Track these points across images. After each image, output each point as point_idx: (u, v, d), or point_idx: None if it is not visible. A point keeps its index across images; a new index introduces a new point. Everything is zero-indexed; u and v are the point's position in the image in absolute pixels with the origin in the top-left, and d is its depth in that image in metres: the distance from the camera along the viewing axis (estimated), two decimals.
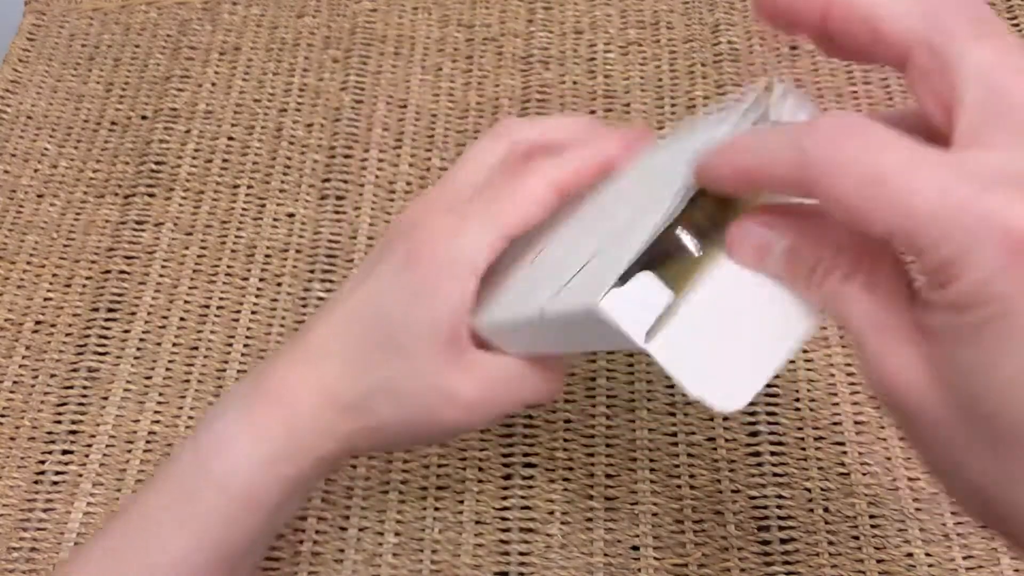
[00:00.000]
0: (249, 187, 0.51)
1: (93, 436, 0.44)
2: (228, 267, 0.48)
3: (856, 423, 0.41)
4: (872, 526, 0.39)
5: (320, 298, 0.47)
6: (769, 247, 0.22)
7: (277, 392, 0.31)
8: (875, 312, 0.20)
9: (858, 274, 0.21)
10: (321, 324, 0.31)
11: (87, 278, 0.49)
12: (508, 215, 0.30)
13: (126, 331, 0.46)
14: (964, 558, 0.38)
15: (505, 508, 0.40)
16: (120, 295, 0.48)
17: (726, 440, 0.41)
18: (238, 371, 0.45)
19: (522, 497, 0.41)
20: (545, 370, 0.31)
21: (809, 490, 0.40)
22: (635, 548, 0.39)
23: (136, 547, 0.30)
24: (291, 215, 0.50)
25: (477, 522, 0.40)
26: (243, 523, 0.30)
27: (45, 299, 0.48)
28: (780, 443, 0.41)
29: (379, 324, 0.30)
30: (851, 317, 0.21)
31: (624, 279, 0.23)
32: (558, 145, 0.31)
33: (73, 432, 0.44)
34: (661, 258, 0.23)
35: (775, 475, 0.40)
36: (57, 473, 0.43)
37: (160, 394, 0.45)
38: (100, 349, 0.46)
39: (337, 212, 0.50)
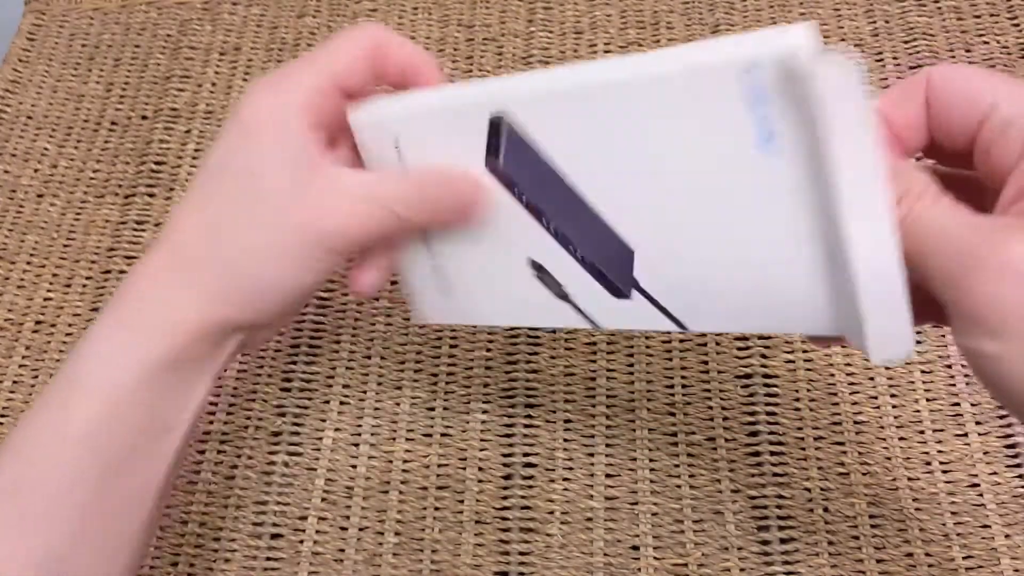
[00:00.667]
0: None
1: None
2: None
3: (856, 423, 0.41)
4: (872, 526, 0.39)
5: (320, 297, 0.47)
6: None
7: (134, 287, 0.29)
8: None
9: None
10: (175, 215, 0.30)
11: (87, 278, 0.49)
12: (330, 58, 0.30)
13: None
14: (964, 558, 0.38)
15: (505, 508, 0.40)
16: None
17: (726, 440, 0.41)
18: (238, 371, 0.45)
19: (522, 497, 0.41)
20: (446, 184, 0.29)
21: (809, 490, 0.40)
22: (635, 548, 0.39)
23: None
24: None
25: (477, 522, 0.40)
26: (113, 414, 0.28)
27: (45, 299, 0.48)
28: (780, 443, 0.41)
29: (225, 180, 0.29)
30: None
31: None
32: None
33: None
34: None
35: (775, 475, 0.40)
36: None
37: None
38: None
39: None
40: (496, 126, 0.27)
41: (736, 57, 0.22)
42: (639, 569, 0.39)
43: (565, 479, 0.41)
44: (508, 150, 0.27)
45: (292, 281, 0.29)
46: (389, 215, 0.29)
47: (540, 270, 0.29)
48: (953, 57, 0.52)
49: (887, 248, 0.22)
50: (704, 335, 0.43)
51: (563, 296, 0.29)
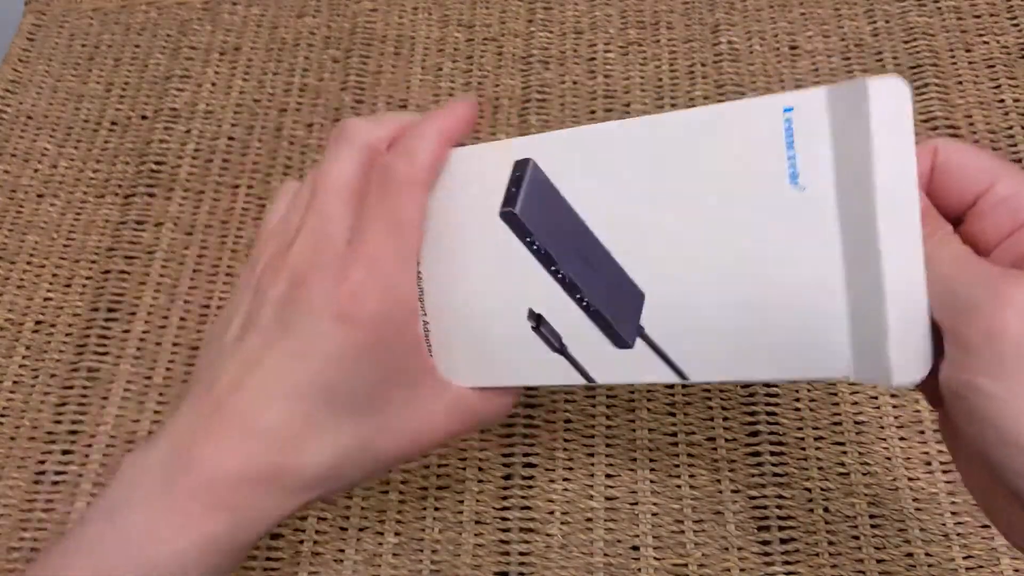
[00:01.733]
0: (249, 187, 0.51)
1: (93, 436, 0.44)
2: (228, 267, 0.48)
3: (856, 423, 0.41)
4: (872, 526, 0.39)
5: None
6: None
7: (207, 476, 0.26)
8: None
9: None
10: (239, 389, 0.27)
11: (87, 278, 0.49)
12: (410, 217, 0.27)
13: (126, 331, 0.46)
14: (964, 558, 0.38)
15: (505, 508, 0.40)
16: (120, 295, 0.48)
17: (726, 440, 0.41)
18: None
19: (522, 497, 0.41)
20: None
21: (809, 490, 0.40)
22: (635, 548, 0.39)
23: None
24: None
25: (477, 522, 0.40)
26: None
27: (45, 299, 0.48)
28: (780, 443, 0.41)
29: (329, 389, 0.27)
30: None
31: None
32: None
33: (73, 432, 0.44)
34: None
35: (775, 475, 0.40)
36: (57, 473, 0.43)
37: (160, 394, 0.45)
38: (100, 349, 0.46)
39: None
40: (521, 168, 0.27)
41: (782, 97, 0.23)
42: (639, 569, 0.39)
43: (565, 479, 0.41)
44: (528, 193, 0.27)
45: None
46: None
47: (539, 321, 0.28)
48: (953, 57, 0.52)
49: (918, 274, 0.22)
50: None
51: (560, 350, 0.28)
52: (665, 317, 0.26)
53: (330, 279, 0.26)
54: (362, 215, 0.27)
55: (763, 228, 0.24)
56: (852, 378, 0.24)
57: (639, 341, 0.27)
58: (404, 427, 0.28)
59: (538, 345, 0.28)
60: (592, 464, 0.41)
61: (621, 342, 0.27)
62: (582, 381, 0.28)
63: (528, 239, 0.28)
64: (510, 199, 0.27)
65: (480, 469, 0.41)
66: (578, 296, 0.27)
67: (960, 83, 0.51)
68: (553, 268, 0.27)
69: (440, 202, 0.29)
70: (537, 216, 0.27)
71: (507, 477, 0.41)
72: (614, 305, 0.27)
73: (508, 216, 0.28)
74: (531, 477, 0.41)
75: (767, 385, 0.42)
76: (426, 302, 0.30)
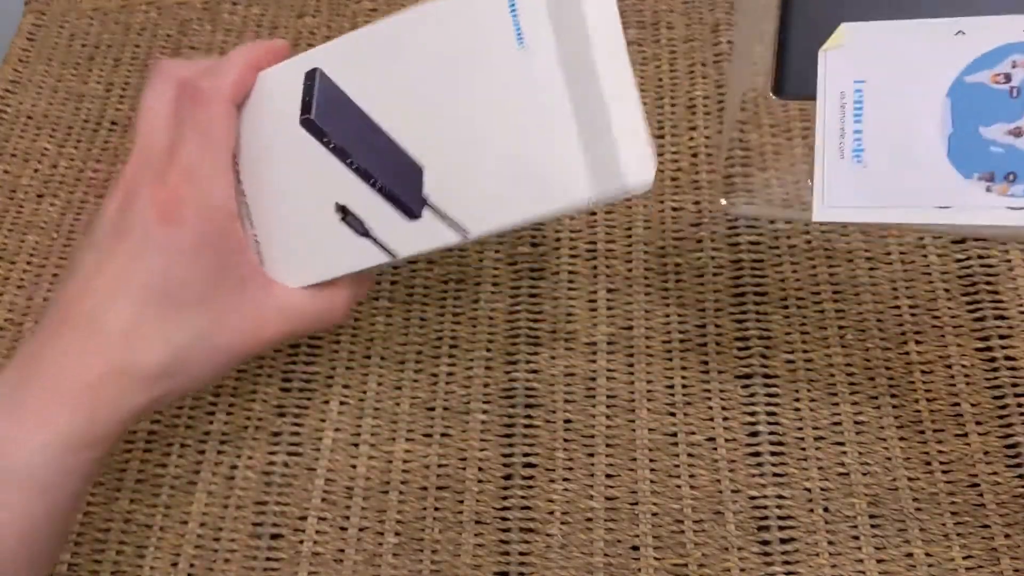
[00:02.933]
0: None
1: None
2: None
3: (856, 423, 0.41)
4: (872, 526, 0.39)
5: None
6: None
7: (54, 378, 0.29)
8: None
9: None
10: (83, 296, 0.30)
11: None
12: (219, 128, 0.31)
13: None
14: (964, 558, 0.38)
15: (505, 508, 0.40)
16: None
17: (726, 440, 0.41)
18: (238, 371, 0.45)
19: (522, 497, 0.41)
20: (334, 292, 0.34)
21: (809, 490, 0.40)
22: (635, 548, 0.39)
23: None
24: None
25: (477, 522, 0.40)
26: (46, 510, 0.28)
27: (45, 299, 0.48)
28: (780, 443, 0.41)
29: (162, 285, 0.30)
30: None
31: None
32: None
33: None
34: None
35: (775, 475, 0.40)
36: None
37: None
38: None
39: None
40: (311, 78, 0.31)
41: None
42: (639, 569, 0.39)
43: (565, 479, 0.41)
44: (320, 100, 0.31)
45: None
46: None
47: (344, 212, 0.32)
48: None
49: (632, 91, 0.28)
50: (704, 335, 0.43)
51: (365, 233, 0.32)
52: (441, 184, 0.30)
53: (152, 188, 0.30)
54: (177, 132, 0.31)
55: (504, 88, 0.29)
56: (594, 199, 0.29)
57: (426, 211, 0.31)
58: (239, 324, 0.31)
59: (346, 234, 0.32)
60: (592, 464, 0.41)
61: (411, 213, 0.31)
62: (388, 258, 0.32)
63: (324, 139, 0.31)
64: (306, 107, 0.31)
65: (480, 469, 0.42)
66: (372, 181, 0.31)
67: None
68: (348, 161, 0.31)
69: (252, 121, 0.33)
70: (329, 118, 0.31)
71: (507, 477, 0.41)
72: (400, 183, 0.31)
73: (306, 123, 0.32)
74: (531, 477, 0.41)
75: (767, 385, 0.42)
76: (252, 214, 0.33)
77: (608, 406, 0.42)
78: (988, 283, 0.43)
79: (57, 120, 0.55)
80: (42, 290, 0.48)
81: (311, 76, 0.32)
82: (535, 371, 0.44)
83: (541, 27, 0.28)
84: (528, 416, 0.43)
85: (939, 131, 0.27)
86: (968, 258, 0.45)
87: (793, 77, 0.29)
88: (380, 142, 0.31)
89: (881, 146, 0.28)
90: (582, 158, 0.28)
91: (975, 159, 0.27)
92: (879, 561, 0.38)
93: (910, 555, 0.38)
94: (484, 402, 0.43)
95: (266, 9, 0.59)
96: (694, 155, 0.50)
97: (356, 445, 0.42)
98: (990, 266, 0.45)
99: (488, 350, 0.45)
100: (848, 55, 0.28)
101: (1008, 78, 0.26)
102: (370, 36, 0.31)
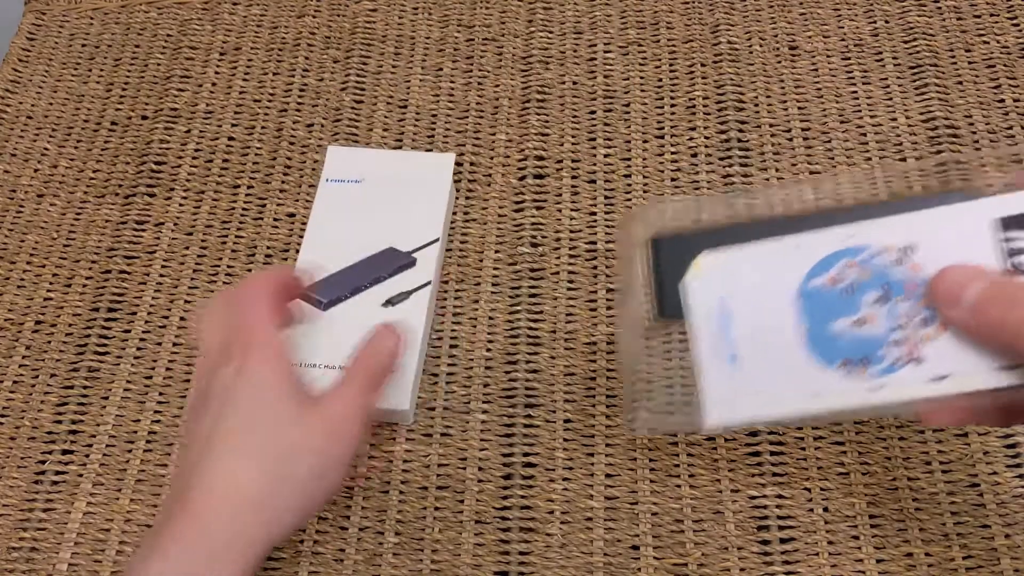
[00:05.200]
0: (249, 187, 0.51)
1: (93, 436, 0.43)
2: (228, 267, 0.48)
3: (856, 423, 0.41)
4: (872, 526, 0.39)
5: None
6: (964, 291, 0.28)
7: (192, 502, 0.31)
8: None
9: None
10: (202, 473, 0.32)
11: (87, 278, 0.49)
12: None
13: (126, 331, 0.46)
14: (964, 558, 0.38)
15: (505, 508, 0.40)
16: (120, 295, 0.48)
17: (726, 440, 0.41)
18: None
19: (522, 497, 0.41)
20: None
21: (809, 490, 0.40)
22: (635, 548, 0.39)
23: None
24: (291, 215, 0.50)
25: (477, 522, 0.40)
26: None
27: (45, 299, 0.48)
28: (780, 443, 0.41)
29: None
30: None
31: None
32: None
33: (73, 432, 0.44)
34: None
35: (775, 475, 0.40)
36: (57, 473, 0.43)
37: (160, 394, 0.45)
38: (100, 349, 0.46)
39: None
40: None
41: None
42: (639, 569, 0.39)
43: (565, 479, 0.41)
44: None
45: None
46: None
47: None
48: (953, 57, 0.52)
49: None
50: None
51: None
52: None
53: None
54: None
55: None
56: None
57: None
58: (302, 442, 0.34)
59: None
60: (592, 464, 0.41)
61: None
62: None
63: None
64: None
65: (480, 469, 0.41)
66: None
67: (960, 83, 0.51)
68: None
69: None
70: None
71: (507, 477, 0.41)
72: None
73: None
74: (531, 477, 0.41)
75: None
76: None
77: (608, 406, 0.42)
78: None
79: (57, 120, 0.55)
80: (42, 290, 0.48)
81: None
82: (535, 371, 0.44)
83: None
84: (528, 416, 0.43)
85: (797, 331, 0.31)
86: None
87: (669, 302, 0.33)
88: None
89: (752, 350, 0.32)
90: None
91: (832, 350, 0.30)
92: (879, 561, 0.38)
93: (910, 555, 0.38)
94: (484, 402, 0.43)
95: (266, 9, 0.59)
96: (694, 155, 0.50)
97: None
98: None
99: (488, 350, 0.45)
100: (709, 278, 0.32)
101: (841, 279, 0.30)
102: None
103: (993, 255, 0.29)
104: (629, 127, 0.51)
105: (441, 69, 0.55)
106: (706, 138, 0.50)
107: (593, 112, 0.52)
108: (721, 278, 0.32)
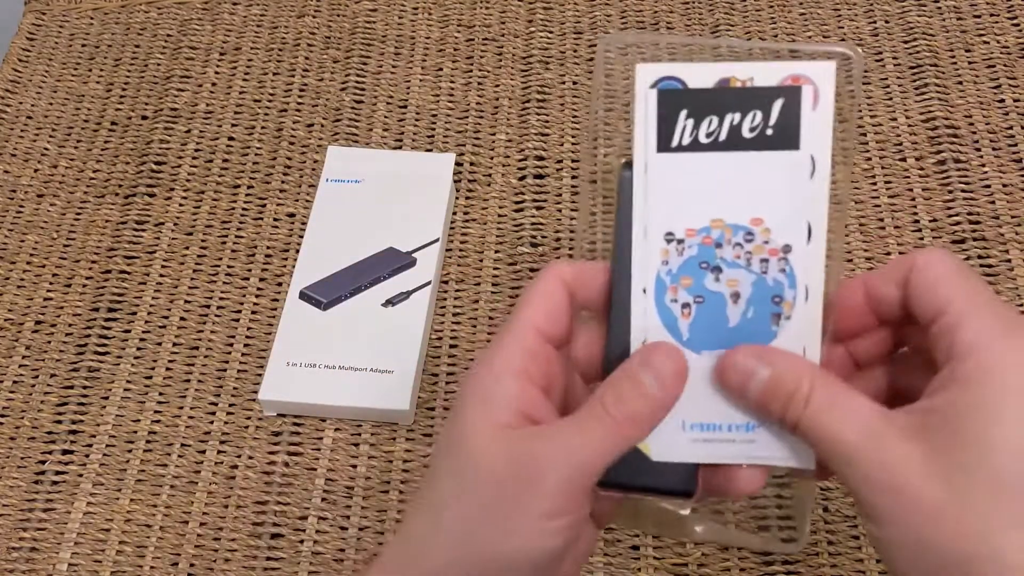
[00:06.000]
0: (249, 187, 0.51)
1: (93, 436, 0.43)
2: (228, 267, 0.48)
3: None
4: None
5: None
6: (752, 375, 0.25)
7: None
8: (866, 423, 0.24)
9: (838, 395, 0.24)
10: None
11: (87, 278, 0.49)
12: (528, 315, 0.27)
13: (126, 331, 0.46)
14: None
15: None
16: (120, 295, 0.48)
17: None
18: (238, 371, 0.45)
19: None
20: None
21: None
22: (635, 548, 0.39)
23: None
24: (291, 215, 0.50)
25: None
26: None
27: (45, 299, 0.48)
28: None
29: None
30: (843, 432, 0.24)
31: None
32: None
33: (73, 432, 0.44)
34: None
35: (775, 475, 0.40)
36: (57, 473, 0.43)
37: (160, 394, 0.45)
38: (100, 349, 0.46)
39: None
40: None
41: None
42: (639, 569, 0.39)
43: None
44: None
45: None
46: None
47: None
48: (953, 57, 0.52)
49: None
50: None
51: None
52: None
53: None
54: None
55: None
56: None
57: None
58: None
59: None
60: None
61: None
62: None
63: None
64: None
65: None
66: None
67: (960, 83, 0.51)
68: None
69: None
70: None
71: None
72: None
73: None
74: None
75: None
76: None
77: None
78: (988, 283, 0.43)
79: (57, 120, 0.55)
80: (42, 290, 0.48)
81: None
82: None
83: None
84: None
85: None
86: (968, 258, 0.45)
87: None
88: None
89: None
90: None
91: None
92: (879, 561, 0.38)
93: None
94: None
95: (266, 9, 0.59)
96: None
97: (356, 445, 0.42)
98: (990, 266, 0.45)
99: None
100: None
101: None
102: None
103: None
104: (629, 127, 0.51)
105: (441, 69, 0.55)
106: None
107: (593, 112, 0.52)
108: None
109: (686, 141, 0.26)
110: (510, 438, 0.25)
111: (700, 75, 0.26)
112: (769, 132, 0.26)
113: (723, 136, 0.26)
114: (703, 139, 0.26)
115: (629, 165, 0.28)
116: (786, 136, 0.26)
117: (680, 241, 0.27)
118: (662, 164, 0.27)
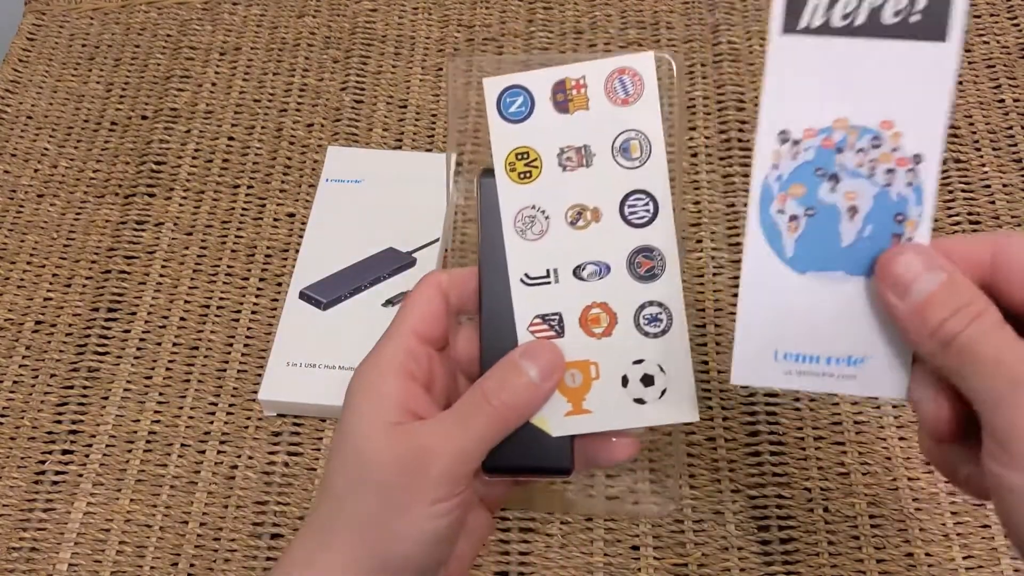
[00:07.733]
0: (249, 187, 0.51)
1: (93, 436, 0.43)
2: (228, 267, 0.48)
3: (856, 423, 0.41)
4: (872, 526, 0.39)
5: None
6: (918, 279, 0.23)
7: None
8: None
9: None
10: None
11: (87, 278, 0.49)
12: (407, 318, 0.30)
13: (126, 331, 0.46)
14: (964, 558, 0.38)
15: (505, 508, 0.40)
16: (120, 295, 0.48)
17: (726, 440, 0.41)
18: (238, 371, 0.45)
19: None
20: None
21: (809, 490, 0.40)
22: (635, 548, 0.39)
23: None
24: (291, 215, 0.50)
25: None
26: None
27: (45, 299, 0.48)
28: (780, 443, 0.41)
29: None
30: (1011, 354, 0.22)
31: None
32: None
33: (73, 432, 0.44)
34: None
35: (775, 475, 0.40)
36: (57, 473, 0.43)
37: (160, 394, 0.45)
38: (100, 349, 0.46)
39: None
40: None
41: None
42: (639, 569, 0.39)
43: (565, 480, 0.41)
44: None
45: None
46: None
47: None
48: None
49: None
50: (704, 336, 0.43)
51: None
52: None
53: None
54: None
55: None
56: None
57: None
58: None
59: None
60: None
61: None
62: None
63: None
64: None
65: None
66: None
67: (960, 83, 0.51)
68: None
69: None
70: None
71: None
72: None
73: None
74: None
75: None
76: None
77: None
78: None
79: (57, 120, 0.55)
80: (42, 290, 0.48)
81: None
82: None
83: None
84: None
85: None
86: None
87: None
88: None
89: None
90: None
91: None
92: (879, 561, 0.38)
93: (910, 555, 0.38)
94: None
95: (266, 9, 0.59)
96: (694, 155, 0.50)
97: None
98: None
99: None
100: None
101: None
102: None
103: None
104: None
105: (441, 69, 0.55)
106: (706, 138, 0.50)
107: None
108: None
109: (817, 22, 0.23)
110: (397, 433, 0.28)
111: (539, 80, 0.27)
112: (915, 19, 0.22)
113: (861, 19, 0.22)
114: (837, 21, 0.23)
115: (488, 172, 0.30)
116: (934, 25, 0.22)
117: (796, 142, 0.24)
118: (785, 48, 0.23)
